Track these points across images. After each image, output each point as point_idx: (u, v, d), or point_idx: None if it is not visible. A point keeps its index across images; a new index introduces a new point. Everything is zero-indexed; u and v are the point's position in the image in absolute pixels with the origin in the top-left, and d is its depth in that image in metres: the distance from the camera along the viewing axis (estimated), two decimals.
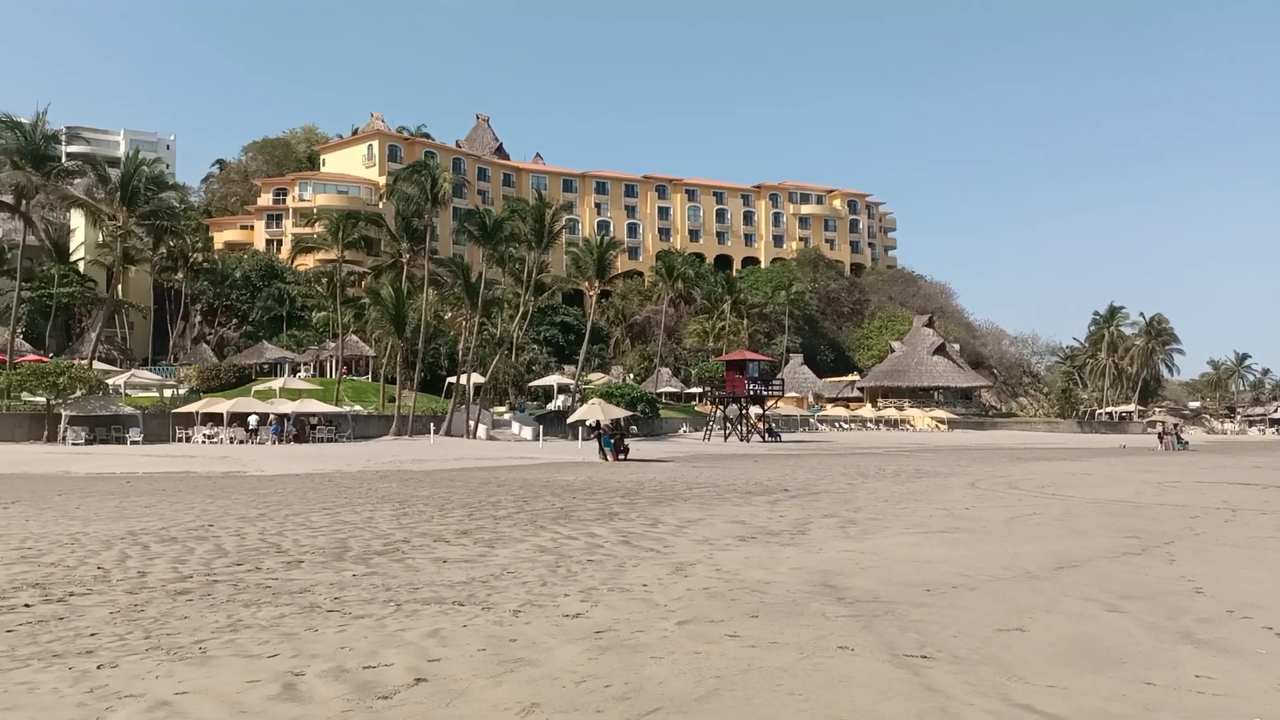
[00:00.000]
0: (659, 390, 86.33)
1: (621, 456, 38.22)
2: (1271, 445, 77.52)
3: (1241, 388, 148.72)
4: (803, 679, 6.56)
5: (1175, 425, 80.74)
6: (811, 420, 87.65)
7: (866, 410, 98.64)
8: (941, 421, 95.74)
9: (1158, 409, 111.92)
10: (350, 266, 72.56)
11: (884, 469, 33.55)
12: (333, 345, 73.18)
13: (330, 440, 53.54)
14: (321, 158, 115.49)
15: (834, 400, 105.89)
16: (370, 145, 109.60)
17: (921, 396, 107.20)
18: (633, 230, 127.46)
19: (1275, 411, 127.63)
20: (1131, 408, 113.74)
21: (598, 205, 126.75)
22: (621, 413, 45.75)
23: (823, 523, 16.43)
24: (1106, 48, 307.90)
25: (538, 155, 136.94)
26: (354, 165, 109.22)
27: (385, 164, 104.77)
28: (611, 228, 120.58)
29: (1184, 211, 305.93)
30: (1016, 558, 12.44)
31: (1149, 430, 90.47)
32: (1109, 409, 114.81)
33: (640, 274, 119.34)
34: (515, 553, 12.53)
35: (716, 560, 11.99)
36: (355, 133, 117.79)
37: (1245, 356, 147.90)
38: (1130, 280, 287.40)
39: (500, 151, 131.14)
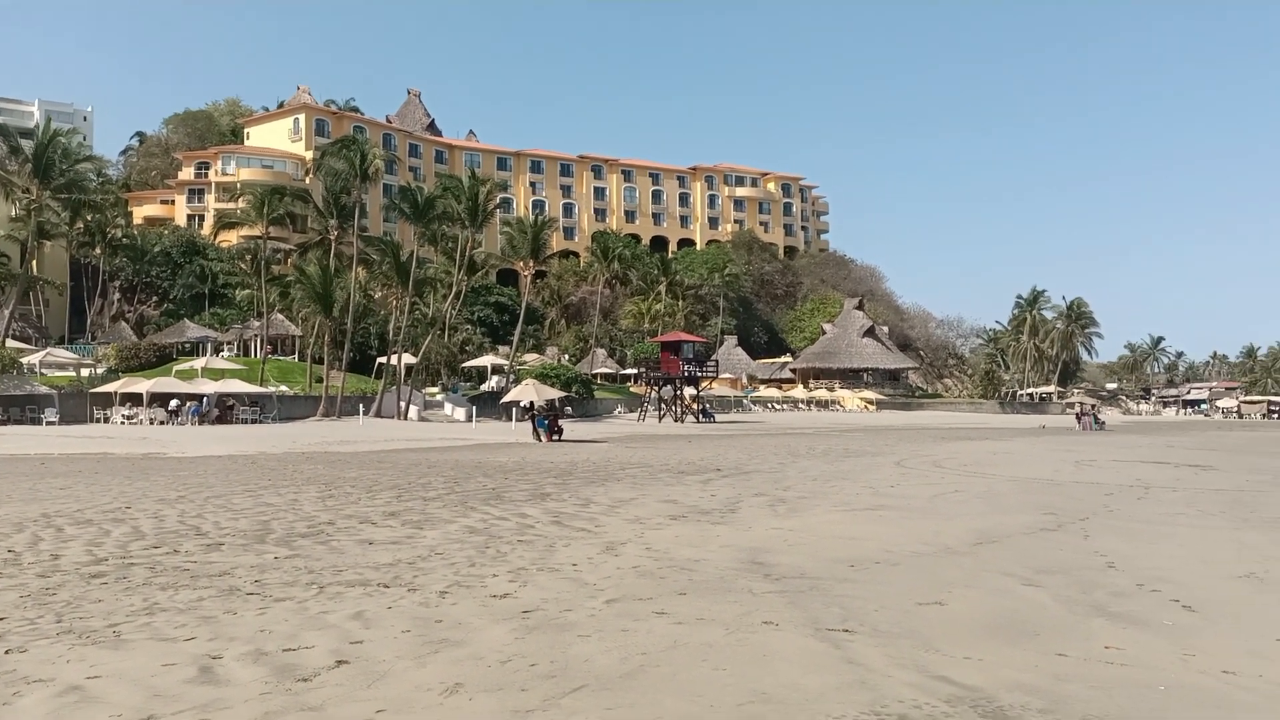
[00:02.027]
0: (594, 371, 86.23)
1: (555, 437, 38.13)
2: (1184, 425, 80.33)
3: (1156, 370, 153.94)
4: (728, 654, 6.62)
5: (1093, 406, 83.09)
6: (745, 401, 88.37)
7: (798, 391, 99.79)
8: (870, 402, 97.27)
9: (1076, 390, 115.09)
10: (276, 243, 71.14)
11: (814, 449, 33.99)
12: (257, 324, 71.70)
13: (254, 421, 52.50)
14: (246, 131, 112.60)
15: (767, 381, 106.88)
16: (297, 119, 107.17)
17: (851, 378, 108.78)
18: (568, 210, 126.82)
19: (1188, 393, 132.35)
20: (1051, 389, 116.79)
21: (533, 184, 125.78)
22: (556, 393, 45.55)
23: (753, 501, 16.59)
24: (1038, 35, 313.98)
25: (471, 132, 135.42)
26: (280, 139, 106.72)
27: (312, 138, 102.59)
28: (547, 207, 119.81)
29: (1106, 198, 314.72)
30: (939, 534, 12.71)
31: (1068, 411, 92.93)
32: (1030, 390, 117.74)
33: (576, 254, 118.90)
34: (444, 534, 12.42)
35: (647, 539, 12.04)
36: (281, 106, 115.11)
37: (1160, 340, 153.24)
38: (1054, 264, 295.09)
39: (432, 128, 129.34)
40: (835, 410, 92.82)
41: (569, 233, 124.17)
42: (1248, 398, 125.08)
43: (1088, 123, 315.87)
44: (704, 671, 6.22)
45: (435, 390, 68.76)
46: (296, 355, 74.65)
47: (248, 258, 73.41)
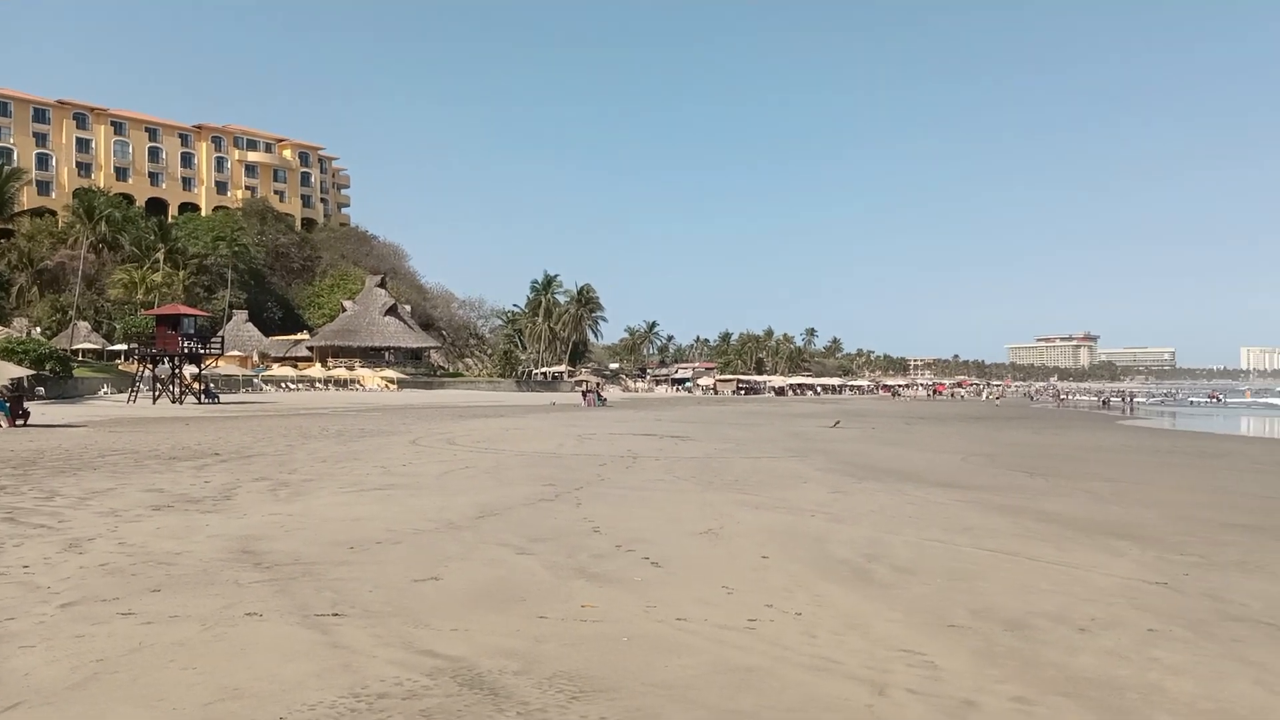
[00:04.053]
0: (75, 347, 76.16)
1: (20, 422, 33.01)
2: (671, 401, 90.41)
3: (651, 351, 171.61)
4: (201, 651, 6.12)
5: (597, 384, 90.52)
6: (255, 380, 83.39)
7: (315, 370, 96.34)
8: (392, 381, 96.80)
9: (584, 369, 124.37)
10: None
11: (328, 429, 32.98)
12: None
13: None
14: None
15: (281, 360, 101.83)
16: None
17: (373, 356, 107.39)
18: (43, 162, 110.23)
19: (676, 372, 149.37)
20: (563, 368, 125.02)
21: None
22: (21, 371, 39.40)
23: (252, 486, 15.65)
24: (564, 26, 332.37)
25: None
26: None
27: None
28: (16, 157, 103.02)
29: (614, 191, 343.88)
30: (444, 510, 12.92)
31: (576, 389, 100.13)
32: (544, 369, 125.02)
33: (53, 213, 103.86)
34: None
35: (121, 533, 10.81)
36: None
37: (654, 324, 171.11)
38: (571, 253, 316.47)
39: None
40: (355, 389, 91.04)
41: (44, 188, 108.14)
42: (722, 377, 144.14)
43: (597, 116, 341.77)
44: (171, 673, 5.68)
45: None
46: None
47: None
